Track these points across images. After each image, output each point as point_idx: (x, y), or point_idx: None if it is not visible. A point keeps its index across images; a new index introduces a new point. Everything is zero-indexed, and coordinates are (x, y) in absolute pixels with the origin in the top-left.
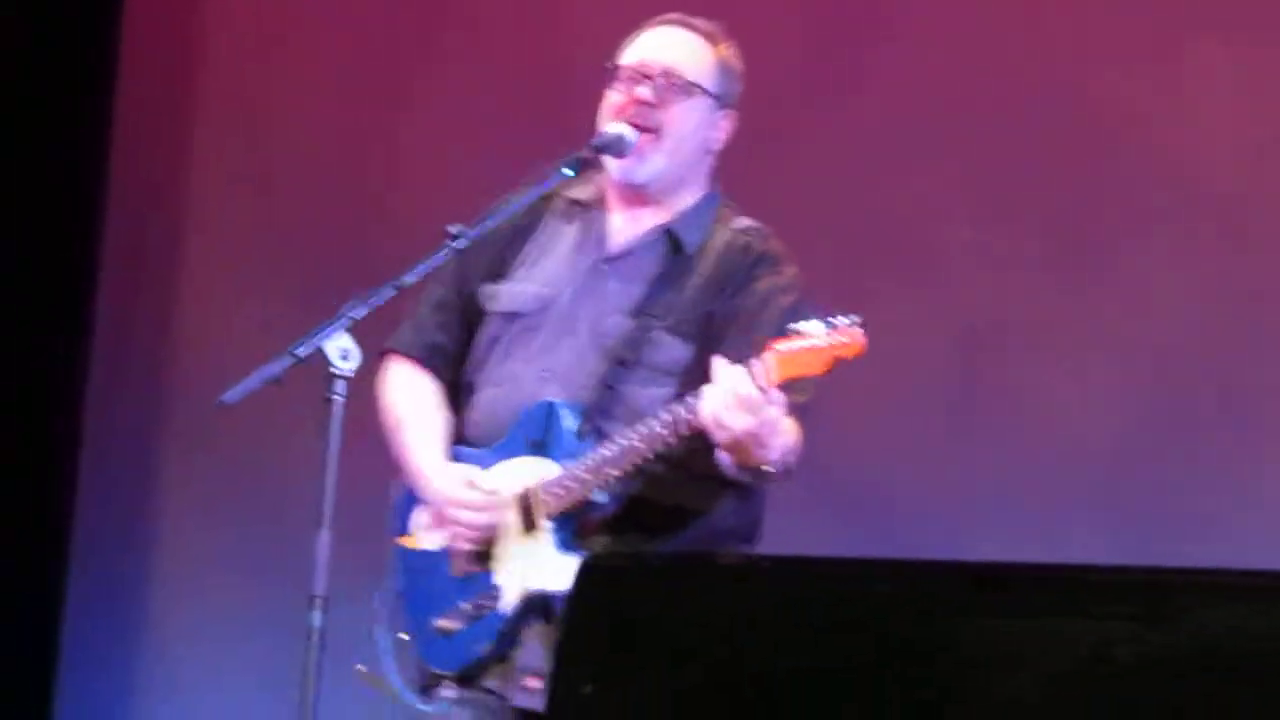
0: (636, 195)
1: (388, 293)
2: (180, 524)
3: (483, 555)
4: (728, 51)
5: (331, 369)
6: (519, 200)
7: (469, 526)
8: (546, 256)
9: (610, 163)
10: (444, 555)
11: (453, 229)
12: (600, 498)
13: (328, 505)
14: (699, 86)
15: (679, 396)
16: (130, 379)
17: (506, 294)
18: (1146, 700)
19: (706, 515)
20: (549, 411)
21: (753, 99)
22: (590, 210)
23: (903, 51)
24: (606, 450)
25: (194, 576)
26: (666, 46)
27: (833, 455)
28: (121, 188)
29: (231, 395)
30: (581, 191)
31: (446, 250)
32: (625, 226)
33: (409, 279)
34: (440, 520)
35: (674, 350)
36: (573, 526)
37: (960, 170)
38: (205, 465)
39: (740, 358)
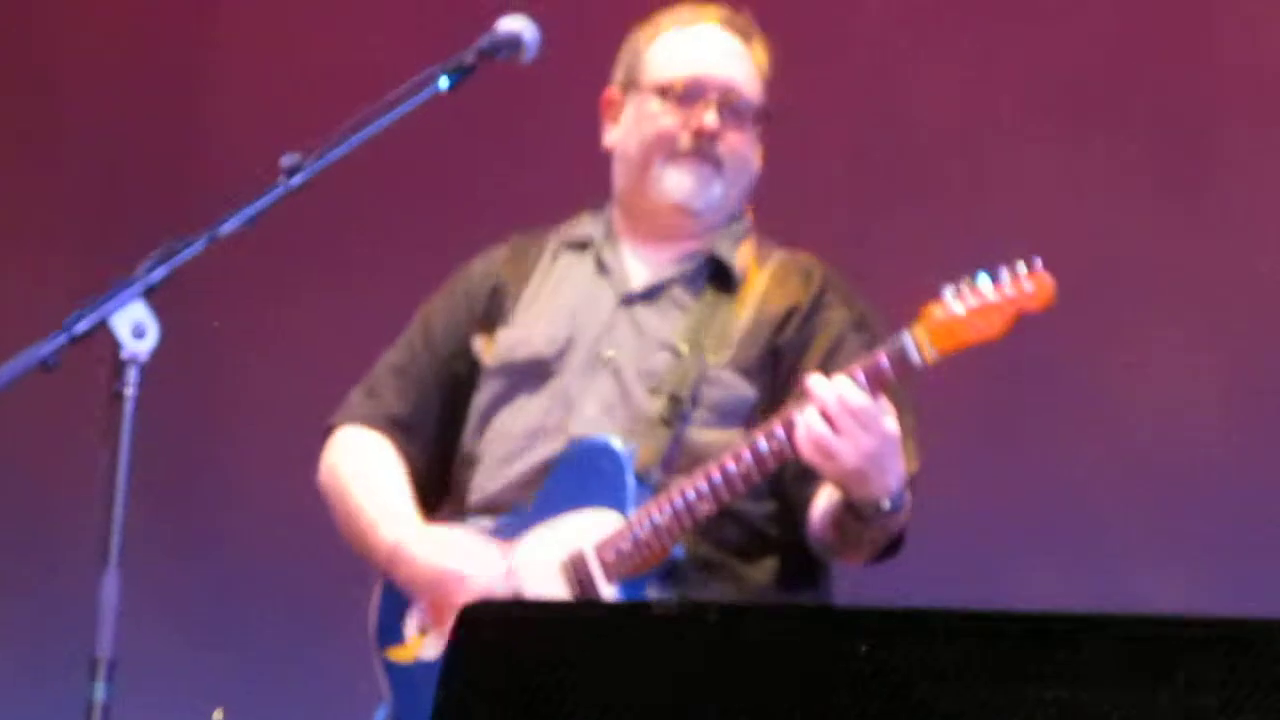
0: (676, 225)
1: (199, 245)
2: None
3: None
4: (763, 50)
5: (121, 351)
6: (378, 121)
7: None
8: (554, 297)
9: (668, 178)
10: None
11: (288, 160)
12: (678, 551)
13: (116, 536)
14: (754, 108)
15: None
16: None
17: (512, 340)
18: None
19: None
20: (602, 453)
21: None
22: (598, 247)
23: None
24: (691, 485)
25: None
26: (720, 60)
27: None
28: None
29: None
30: (581, 230)
31: (281, 189)
32: (649, 258)
33: (228, 227)
34: (439, 611)
35: (737, 389)
36: (643, 588)
37: (1016, 68)
38: None
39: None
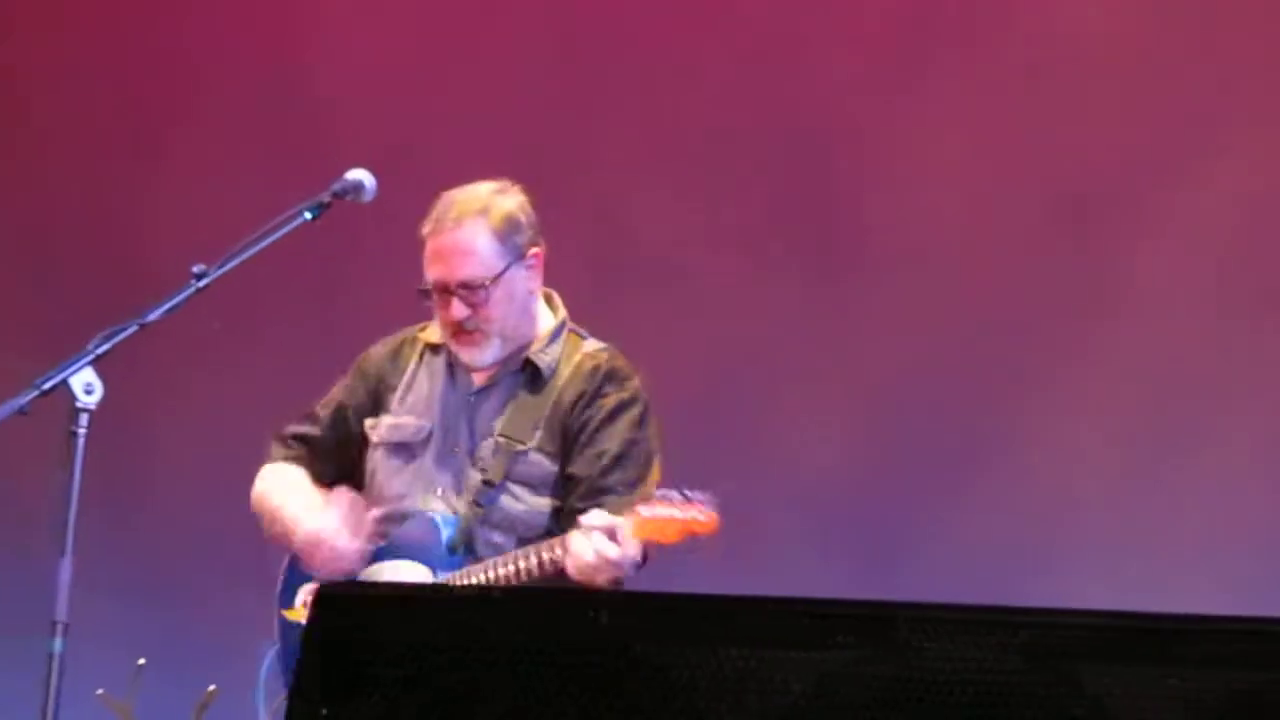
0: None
1: (131, 328)
2: None
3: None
4: (506, 206)
5: (76, 403)
6: (262, 242)
7: (344, 555)
8: (417, 394)
9: (457, 350)
10: None
11: (197, 269)
12: None
13: (70, 533)
14: (494, 276)
15: (553, 505)
16: None
17: (389, 426)
18: None
19: None
20: (429, 524)
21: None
22: (449, 351)
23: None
24: (483, 572)
25: None
26: (450, 260)
27: None
28: None
29: None
30: (439, 335)
31: (191, 288)
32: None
33: (153, 316)
34: None
35: (543, 466)
36: None
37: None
38: None
39: (591, 475)
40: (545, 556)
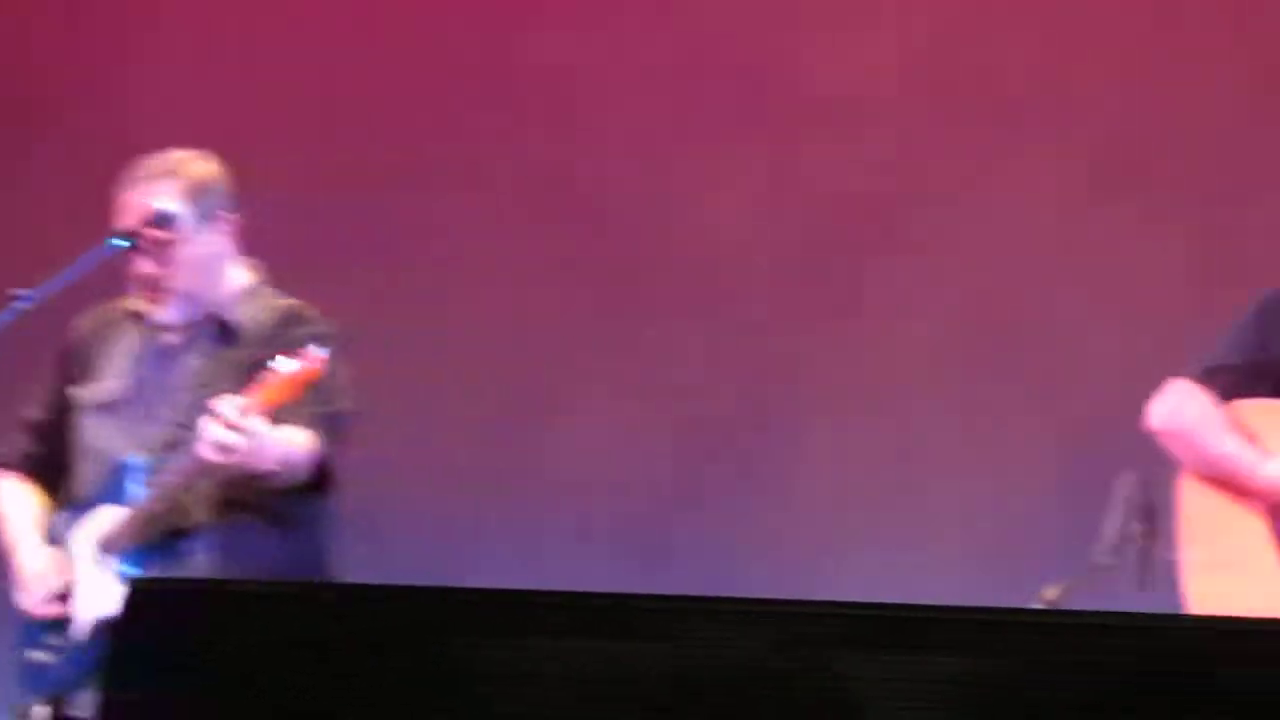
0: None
1: None
2: None
3: (62, 597)
4: (197, 171)
5: None
6: (77, 268)
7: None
8: (119, 358)
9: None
10: None
11: (17, 292)
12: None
13: None
14: (179, 235)
15: None
16: None
17: (92, 391)
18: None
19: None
20: (121, 469)
21: None
22: (145, 318)
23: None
24: (148, 493)
25: None
26: (136, 214)
27: None
28: None
29: None
30: (137, 303)
31: (11, 311)
32: (170, 325)
33: None
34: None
35: None
36: (137, 560)
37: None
38: None
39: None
40: (190, 452)
